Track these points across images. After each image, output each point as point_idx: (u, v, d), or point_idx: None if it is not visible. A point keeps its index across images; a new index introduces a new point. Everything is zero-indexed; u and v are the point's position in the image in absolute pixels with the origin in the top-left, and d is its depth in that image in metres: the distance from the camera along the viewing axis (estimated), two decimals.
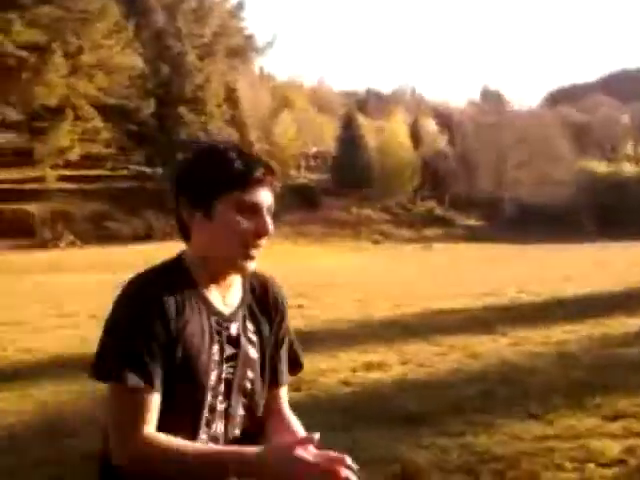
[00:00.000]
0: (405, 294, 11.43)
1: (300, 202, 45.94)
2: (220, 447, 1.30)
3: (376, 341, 7.19)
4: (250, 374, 1.36)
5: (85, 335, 8.35)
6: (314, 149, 61.44)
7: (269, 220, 1.31)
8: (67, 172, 39.79)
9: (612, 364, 6.05)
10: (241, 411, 1.36)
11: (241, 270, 1.32)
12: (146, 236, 35.27)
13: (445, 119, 63.76)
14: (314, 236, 41.72)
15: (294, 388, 5.30)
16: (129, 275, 1.33)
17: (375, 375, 5.78)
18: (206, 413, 1.30)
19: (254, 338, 1.37)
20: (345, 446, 4.04)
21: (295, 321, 9.84)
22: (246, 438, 1.36)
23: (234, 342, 1.33)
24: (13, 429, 4.62)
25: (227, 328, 1.33)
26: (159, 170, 45.36)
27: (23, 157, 38.56)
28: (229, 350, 1.33)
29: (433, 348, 6.76)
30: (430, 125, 62.94)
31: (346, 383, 5.52)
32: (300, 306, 10.35)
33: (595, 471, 3.59)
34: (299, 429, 1.46)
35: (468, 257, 26.74)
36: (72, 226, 34.85)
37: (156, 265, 1.34)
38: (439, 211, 51.55)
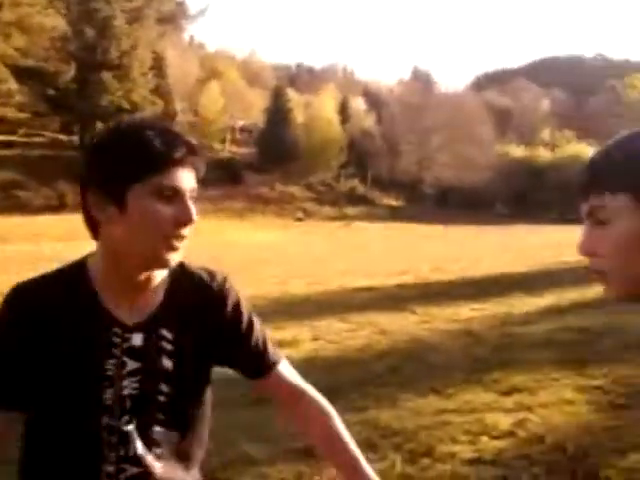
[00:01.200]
0: (322, 272, 11.56)
1: (223, 177, 45.37)
2: None
3: (290, 318, 7.26)
4: (164, 387, 1.19)
5: None
6: (241, 122, 60.66)
7: (192, 206, 1.15)
8: None
9: (512, 342, 6.35)
10: (158, 428, 1.20)
11: (163, 264, 1.16)
12: (59, 206, 33.93)
13: (374, 98, 64.35)
14: (236, 212, 41.40)
15: None
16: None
17: (286, 352, 5.80)
18: (107, 436, 1.16)
19: (169, 347, 1.20)
20: (250, 423, 4.09)
21: None
22: (181, 455, 1.24)
23: (138, 354, 1.18)
24: None
25: (128, 339, 1.17)
26: (76, 138, 43.61)
27: None
28: (132, 364, 1.17)
29: (344, 325, 6.89)
30: (359, 103, 63.39)
31: None
32: None
33: (487, 443, 3.78)
34: (322, 407, 1.41)
35: (387, 236, 27.29)
36: None
37: (52, 270, 1.20)
38: (361, 190, 52.23)
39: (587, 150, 56.57)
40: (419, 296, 9.13)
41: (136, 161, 1.11)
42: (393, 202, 52.01)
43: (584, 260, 0.91)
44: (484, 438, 3.84)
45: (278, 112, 52.79)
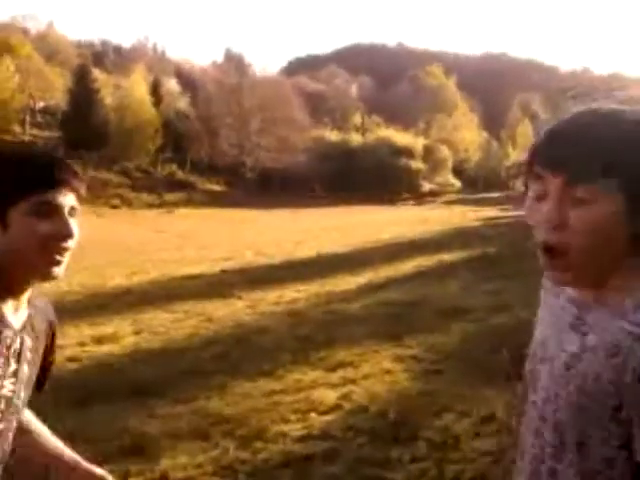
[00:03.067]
0: (143, 261, 11.14)
1: None
2: None
3: (108, 312, 6.89)
4: (22, 393, 1.28)
5: None
6: (42, 103, 56.09)
7: (71, 221, 1.21)
8: None
9: (335, 319, 6.61)
10: (13, 429, 1.30)
11: (47, 277, 1.23)
12: None
13: (187, 79, 62.85)
14: None
15: None
16: None
17: (106, 348, 5.54)
18: None
19: (29, 356, 1.29)
20: (73, 425, 3.82)
21: None
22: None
23: (17, 357, 1.25)
24: None
25: (15, 342, 1.24)
26: None
27: None
28: (14, 365, 1.24)
29: (169, 315, 6.70)
30: (172, 84, 61.53)
31: (73, 359, 5.18)
32: None
33: (315, 419, 3.90)
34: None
35: (209, 222, 27.02)
36: None
37: None
38: (181, 175, 50.99)
39: (395, 135, 60.49)
40: (244, 281, 9.15)
41: (15, 182, 1.18)
42: (214, 187, 51.50)
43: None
44: (312, 414, 3.96)
45: (83, 93, 49.40)
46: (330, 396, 4.20)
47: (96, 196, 42.22)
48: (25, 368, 1.28)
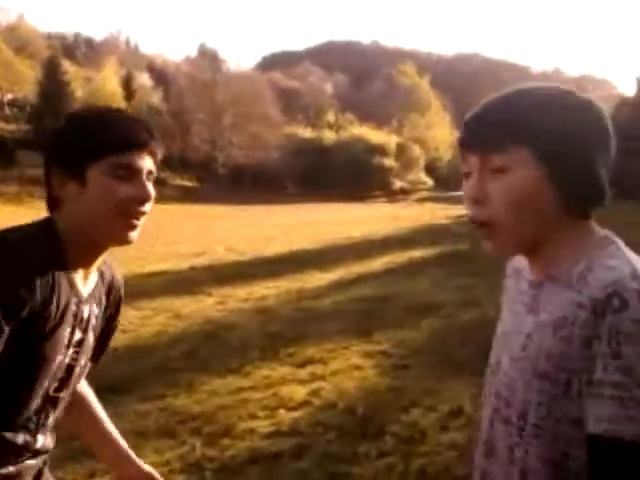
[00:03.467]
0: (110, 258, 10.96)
1: None
2: None
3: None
4: (83, 361, 1.28)
5: None
6: (9, 95, 54.95)
7: (149, 184, 1.20)
8: None
9: (305, 316, 6.60)
10: (68, 397, 1.29)
11: (123, 241, 1.21)
12: None
13: (160, 73, 62.15)
14: (11, 197, 37.65)
15: None
16: None
17: None
18: (37, 399, 1.20)
19: (94, 323, 1.28)
20: None
21: None
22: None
23: (84, 327, 1.24)
24: None
25: (82, 311, 1.23)
26: None
27: None
28: (78, 335, 1.23)
29: (137, 312, 6.61)
30: (144, 78, 60.78)
31: None
32: None
33: (284, 415, 3.89)
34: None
35: (180, 218, 26.77)
36: None
37: (21, 227, 1.18)
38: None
39: (368, 132, 60.64)
40: (214, 278, 9.08)
41: (96, 141, 1.17)
42: (185, 182, 51.06)
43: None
44: (281, 411, 3.95)
45: (53, 85, 48.55)
46: (299, 392, 4.19)
47: None
48: (90, 337, 1.28)
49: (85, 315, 1.24)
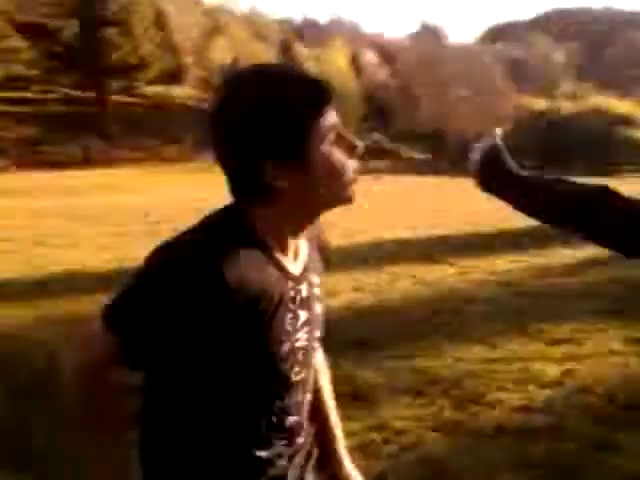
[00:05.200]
0: (356, 224, 11.49)
1: None
2: None
3: (328, 269, 7.24)
4: (317, 333, 1.19)
5: (28, 259, 8.17)
6: None
7: (351, 135, 1.12)
8: None
9: (553, 293, 6.29)
10: (313, 374, 1.23)
11: (351, 199, 1.12)
12: (83, 161, 34.14)
13: (384, 51, 62.89)
14: None
15: None
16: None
17: (327, 301, 5.84)
18: (278, 386, 1.11)
19: (318, 292, 1.18)
20: None
21: None
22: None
23: (307, 305, 1.14)
24: None
25: (300, 291, 1.12)
26: (91, 94, 43.54)
27: None
28: (303, 315, 1.13)
29: (383, 276, 6.87)
30: (370, 56, 62.05)
31: None
32: None
33: (535, 392, 3.77)
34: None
35: (416, 189, 27.03)
36: (3, 150, 33.28)
37: (210, 222, 1.07)
38: (385, 143, 51.60)
39: (608, 102, 55.00)
40: (454, 249, 9.05)
41: (304, 108, 1.04)
42: (418, 155, 51.39)
43: None
44: (531, 387, 3.84)
45: None
46: (551, 371, 4.03)
47: None
48: (317, 309, 1.17)
49: (304, 293, 1.12)
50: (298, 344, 1.12)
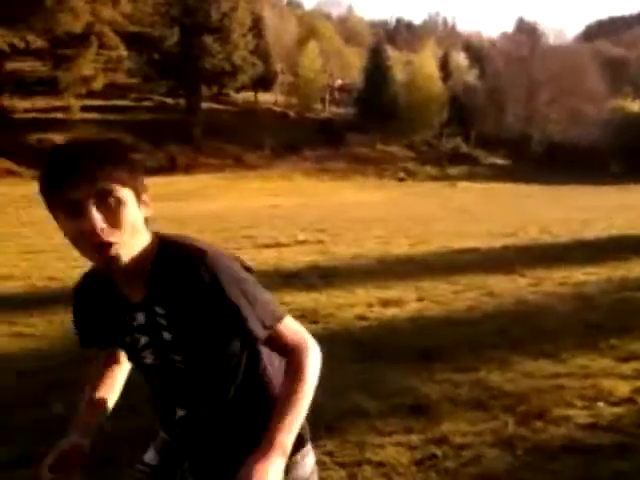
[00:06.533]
0: (425, 232, 11.45)
1: (324, 137, 45.46)
2: None
3: (394, 278, 7.25)
4: (176, 357, 1.33)
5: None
6: (339, 81, 60.33)
7: (95, 216, 1.17)
8: (91, 102, 39.71)
9: (629, 307, 6.05)
10: (184, 393, 1.39)
11: (99, 263, 1.25)
12: (170, 168, 35.40)
13: (477, 52, 61.91)
14: (338, 173, 41.50)
15: (311, 320, 5.42)
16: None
17: (391, 311, 5.87)
18: (158, 395, 1.46)
19: (163, 322, 1.31)
20: (359, 379, 4.17)
21: (315, 256, 9.86)
22: (242, 412, 1.38)
23: (143, 330, 1.34)
24: (40, 353, 4.82)
25: (135, 318, 1.34)
26: (182, 102, 45.04)
27: (47, 86, 38.41)
28: (143, 339, 1.36)
29: (450, 286, 6.81)
30: (460, 58, 61.22)
31: (362, 318, 5.61)
32: (320, 242, 10.42)
33: (604, 409, 3.66)
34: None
35: (492, 196, 26.50)
36: None
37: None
38: (465, 149, 50.67)
39: None
40: (527, 258, 8.85)
41: (41, 182, 1.22)
42: (498, 161, 50.17)
43: None
44: (600, 404, 3.73)
45: (377, 70, 51.91)
46: (622, 387, 3.90)
47: (384, 169, 44.30)
48: (164, 335, 1.34)
49: (141, 320, 1.33)
50: (147, 361, 1.37)
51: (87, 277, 1.43)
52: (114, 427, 3.50)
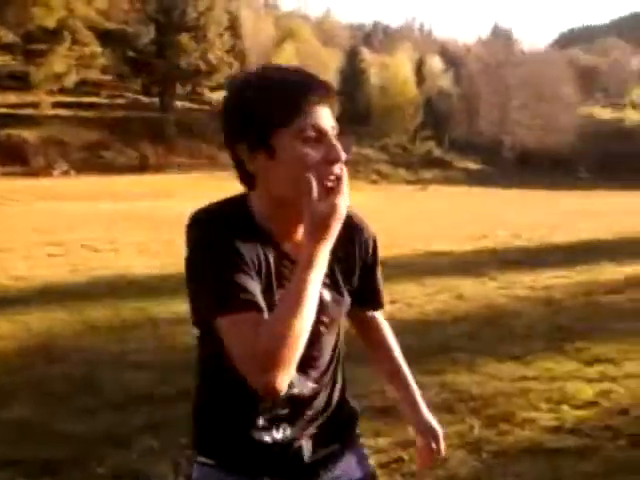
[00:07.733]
0: (397, 235, 11.47)
1: None
2: None
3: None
4: (324, 318, 1.24)
5: (75, 263, 8.43)
6: None
7: (337, 143, 1.14)
8: (63, 98, 39.10)
9: (596, 311, 6.15)
10: (318, 361, 1.30)
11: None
12: (141, 167, 35.04)
13: (451, 57, 62.55)
14: None
15: None
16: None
17: None
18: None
19: (325, 280, 1.18)
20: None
21: None
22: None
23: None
24: (4, 351, 4.72)
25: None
26: (156, 100, 44.65)
27: (19, 81, 37.74)
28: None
29: (422, 289, 6.85)
30: (436, 63, 61.79)
31: None
32: None
33: (568, 412, 3.71)
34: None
35: (464, 200, 26.75)
36: (66, 154, 34.45)
37: (219, 205, 1.22)
38: (438, 153, 51.10)
39: None
40: (497, 262, 8.94)
41: (278, 105, 1.12)
42: (471, 165, 50.68)
43: None
44: (565, 407, 3.77)
45: (352, 73, 52.15)
46: (586, 391, 3.95)
47: (357, 171, 44.42)
48: (324, 294, 1.24)
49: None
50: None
51: (218, 210, 1.21)
52: (84, 428, 3.45)
